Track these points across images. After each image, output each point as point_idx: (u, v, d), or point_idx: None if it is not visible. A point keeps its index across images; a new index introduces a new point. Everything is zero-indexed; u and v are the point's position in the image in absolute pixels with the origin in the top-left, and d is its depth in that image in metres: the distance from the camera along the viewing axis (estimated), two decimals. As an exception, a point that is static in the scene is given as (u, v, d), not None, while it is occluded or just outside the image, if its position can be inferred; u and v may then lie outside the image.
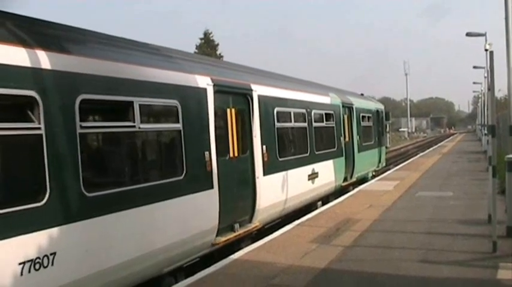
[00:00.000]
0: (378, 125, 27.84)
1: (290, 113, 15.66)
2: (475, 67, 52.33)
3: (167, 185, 9.52)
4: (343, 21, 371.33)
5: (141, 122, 8.86)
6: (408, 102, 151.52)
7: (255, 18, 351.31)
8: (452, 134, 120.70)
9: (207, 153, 10.65)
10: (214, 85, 11.14)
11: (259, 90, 13.41)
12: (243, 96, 12.89)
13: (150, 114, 9.62)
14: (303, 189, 16.10)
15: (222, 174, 11.08)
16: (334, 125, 19.53)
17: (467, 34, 37.52)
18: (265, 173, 13.22)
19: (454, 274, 9.25)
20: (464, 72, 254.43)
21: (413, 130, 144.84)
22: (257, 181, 12.92)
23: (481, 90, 62.15)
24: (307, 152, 16.58)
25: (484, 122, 51.23)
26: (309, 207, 17.06)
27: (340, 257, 10.55)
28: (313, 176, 16.80)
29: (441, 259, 10.21)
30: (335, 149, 19.37)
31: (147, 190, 9.02)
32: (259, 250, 11.44)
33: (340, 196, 19.34)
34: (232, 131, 12.14)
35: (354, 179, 22.16)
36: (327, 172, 18.37)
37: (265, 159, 13.32)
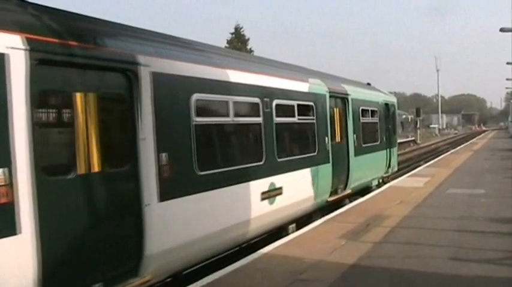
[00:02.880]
0: (386, 121, 22.81)
1: (227, 103, 10.63)
2: (508, 63, 51.54)
3: None
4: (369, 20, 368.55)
5: None
6: (439, 99, 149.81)
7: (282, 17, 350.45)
8: (484, 131, 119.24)
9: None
10: (30, 50, 6.58)
11: (155, 65, 8.64)
12: (121, 74, 8.16)
13: None
14: (250, 214, 11.21)
15: (52, 205, 6.83)
16: (314, 120, 14.65)
17: (501, 30, 37.01)
18: (164, 198, 8.55)
19: (484, 273, 9.16)
20: (497, 68, 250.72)
21: (444, 127, 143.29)
22: (146, 210, 8.22)
23: (514, 86, 61.22)
24: (261, 160, 11.71)
25: (517, 119, 50.47)
26: (271, 235, 12.82)
27: (370, 254, 10.53)
28: (272, 193, 12.02)
29: (472, 257, 10.13)
30: (315, 153, 14.65)
31: None
32: (288, 245, 11.48)
33: (329, 213, 15.23)
34: (86, 130, 7.46)
35: (348, 191, 17.33)
36: (300, 185, 13.68)
37: (165, 174, 8.62)
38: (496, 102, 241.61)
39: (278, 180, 12.25)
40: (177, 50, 9.90)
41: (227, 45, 61.40)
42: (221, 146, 11.02)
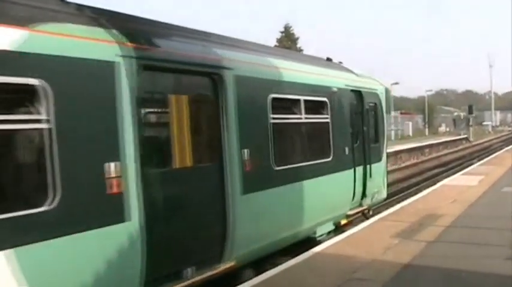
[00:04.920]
0: (357, 121, 14.29)
1: None
2: None
3: None
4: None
5: None
6: (492, 95, 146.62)
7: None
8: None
9: None
10: None
11: None
12: None
13: None
14: None
15: None
16: (48, 126, 6.21)
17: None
18: None
19: (543, 273, 8.99)
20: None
21: (498, 124, 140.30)
22: None
23: None
24: None
25: None
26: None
27: (424, 253, 10.43)
28: None
29: (530, 257, 9.93)
30: (52, 206, 6.20)
31: None
32: (341, 244, 11.46)
33: None
34: None
35: (230, 263, 9.08)
36: None
37: None
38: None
39: None
40: None
41: (277, 43, 61.45)
42: None
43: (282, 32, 66.37)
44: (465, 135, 73.04)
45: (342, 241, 11.74)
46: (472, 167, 28.77)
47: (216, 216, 8.83)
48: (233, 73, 9.14)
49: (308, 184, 11.29)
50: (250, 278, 9.39)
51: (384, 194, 16.42)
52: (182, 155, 8.35)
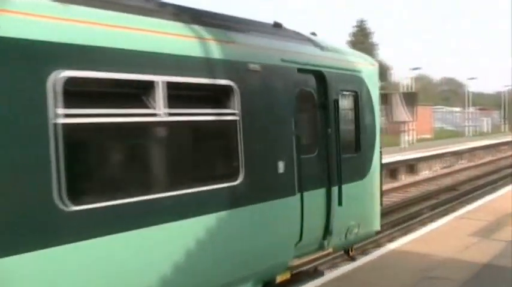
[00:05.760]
0: (310, 121, 8.74)
1: None
2: None
3: None
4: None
5: None
6: None
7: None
8: None
9: None
10: None
11: None
12: None
13: None
14: None
15: None
16: None
17: None
18: None
19: None
20: None
21: None
22: None
23: None
24: None
25: None
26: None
27: (504, 253, 10.12)
28: None
29: None
30: None
31: None
32: (416, 242, 11.27)
33: None
34: None
35: None
36: None
37: None
38: None
39: None
40: None
41: (353, 38, 61.22)
42: None
43: (357, 27, 66.00)
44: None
45: (418, 239, 11.55)
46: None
47: None
48: None
49: (171, 230, 6.12)
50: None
51: (376, 226, 10.42)
52: None
